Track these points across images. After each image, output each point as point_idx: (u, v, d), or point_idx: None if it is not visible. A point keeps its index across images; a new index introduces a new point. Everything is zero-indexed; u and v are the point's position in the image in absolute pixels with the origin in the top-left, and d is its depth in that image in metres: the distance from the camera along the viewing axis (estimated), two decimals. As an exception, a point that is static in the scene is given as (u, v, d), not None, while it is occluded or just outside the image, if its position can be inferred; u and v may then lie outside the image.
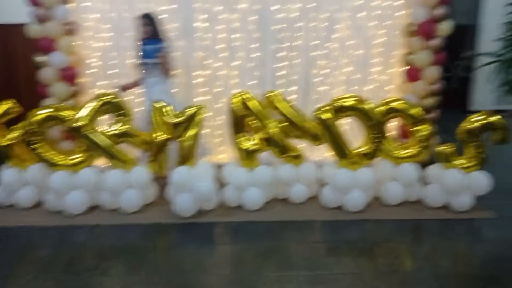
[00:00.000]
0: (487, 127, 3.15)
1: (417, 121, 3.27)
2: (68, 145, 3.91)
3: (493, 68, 3.62)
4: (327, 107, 3.18)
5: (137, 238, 2.97)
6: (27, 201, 3.38)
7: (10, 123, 3.40)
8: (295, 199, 3.41)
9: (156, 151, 3.34)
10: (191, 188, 3.16)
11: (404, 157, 3.29)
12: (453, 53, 4.05)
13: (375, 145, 3.17)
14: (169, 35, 4.13)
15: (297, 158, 3.35)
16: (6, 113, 3.33)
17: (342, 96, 3.25)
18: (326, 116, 3.15)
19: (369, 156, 3.19)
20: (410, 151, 3.30)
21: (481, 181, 3.15)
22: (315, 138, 3.31)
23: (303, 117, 3.33)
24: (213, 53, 4.28)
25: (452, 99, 6.58)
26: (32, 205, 3.40)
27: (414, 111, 3.27)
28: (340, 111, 3.17)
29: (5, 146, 3.29)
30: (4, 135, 3.31)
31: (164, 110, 3.33)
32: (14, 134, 3.31)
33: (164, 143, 3.34)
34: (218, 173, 3.45)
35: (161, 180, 3.50)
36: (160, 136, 3.31)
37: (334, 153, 3.22)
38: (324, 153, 4.16)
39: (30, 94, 4.06)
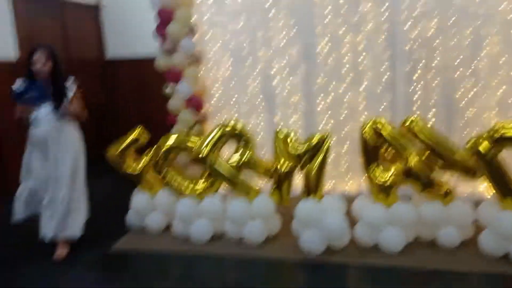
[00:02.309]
0: None
1: None
2: (194, 171, 3.91)
3: None
4: (484, 137, 2.65)
5: (262, 274, 2.75)
6: (156, 226, 3.39)
7: (139, 150, 3.49)
8: (444, 243, 2.89)
9: (280, 181, 3.15)
10: (318, 223, 2.86)
11: None
12: None
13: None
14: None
15: (446, 195, 2.85)
16: (136, 140, 3.42)
17: (505, 124, 2.68)
18: (484, 148, 2.62)
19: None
20: None
21: None
22: (468, 172, 2.79)
23: (451, 147, 2.85)
24: (337, 77, 4.02)
25: None
26: (161, 230, 3.40)
27: None
28: (501, 142, 2.61)
29: (136, 171, 3.37)
30: (134, 161, 3.40)
31: (288, 138, 3.14)
32: (145, 160, 3.39)
33: (288, 173, 3.13)
34: (348, 207, 3.10)
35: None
36: (284, 165, 3.11)
37: (496, 191, 2.66)
38: (476, 187, 3.60)
39: (161, 122, 4.25)
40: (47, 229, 3.01)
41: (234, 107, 4.28)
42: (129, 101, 6.22)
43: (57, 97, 2.95)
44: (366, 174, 2.98)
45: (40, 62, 2.88)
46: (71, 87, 3.06)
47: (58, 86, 2.97)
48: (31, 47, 2.96)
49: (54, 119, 2.97)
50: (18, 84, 2.91)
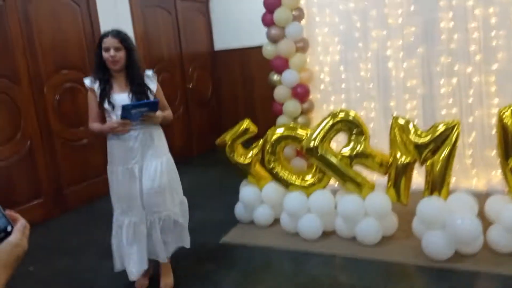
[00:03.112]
0: None
1: None
2: (299, 163, 3.79)
3: None
4: None
5: (377, 278, 2.51)
6: (264, 220, 3.33)
7: (247, 141, 3.45)
8: None
9: (397, 175, 2.85)
10: (446, 225, 2.53)
11: None
12: None
13: None
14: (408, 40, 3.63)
15: None
16: (244, 132, 3.38)
17: None
18: None
19: None
20: None
21: None
22: None
23: None
24: (462, 57, 3.53)
25: None
26: (268, 224, 3.34)
27: None
28: None
29: (244, 164, 3.33)
30: (243, 154, 3.37)
31: (407, 126, 2.82)
32: (252, 152, 3.34)
33: (407, 166, 2.82)
34: (478, 206, 2.70)
35: None
36: (403, 157, 2.80)
37: None
38: None
39: (265, 113, 4.19)
40: (159, 253, 2.52)
41: (344, 94, 4.03)
42: (236, 92, 6.29)
43: (137, 95, 2.37)
44: (503, 169, 2.56)
45: (111, 51, 2.30)
46: (151, 82, 2.47)
47: (135, 81, 2.38)
48: (101, 34, 2.41)
49: (139, 124, 2.38)
50: (89, 82, 2.39)
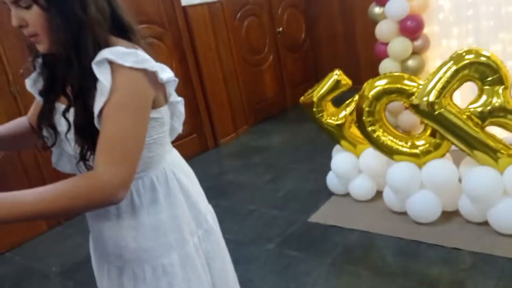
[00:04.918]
0: None
1: None
2: (410, 118, 3.02)
3: None
4: None
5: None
6: (363, 194, 2.70)
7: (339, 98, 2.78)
8: None
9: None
10: None
11: None
12: None
13: None
14: None
15: None
16: (335, 86, 2.70)
17: None
18: None
19: None
20: None
21: None
22: None
23: None
24: None
25: None
26: (368, 199, 2.71)
27: None
28: None
29: (336, 126, 2.70)
30: (334, 113, 2.72)
31: None
32: (345, 112, 2.68)
33: None
34: None
35: None
36: None
37: None
38: None
39: (370, 56, 3.40)
40: None
41: (471, 24, 3.06)
42: (334, 32, 5.45)
43: (76, 110, 0.94)
44: None
45: (12, 16, 0.91)
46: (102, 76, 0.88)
47: (71, 77, 0.92)
48: None
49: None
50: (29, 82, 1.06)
